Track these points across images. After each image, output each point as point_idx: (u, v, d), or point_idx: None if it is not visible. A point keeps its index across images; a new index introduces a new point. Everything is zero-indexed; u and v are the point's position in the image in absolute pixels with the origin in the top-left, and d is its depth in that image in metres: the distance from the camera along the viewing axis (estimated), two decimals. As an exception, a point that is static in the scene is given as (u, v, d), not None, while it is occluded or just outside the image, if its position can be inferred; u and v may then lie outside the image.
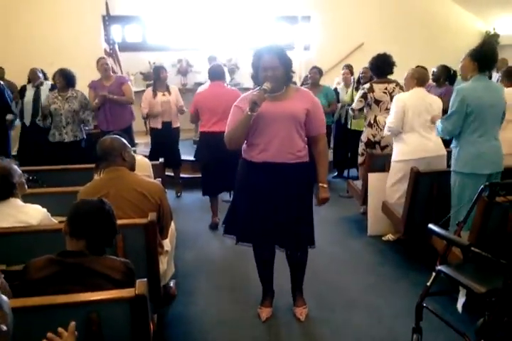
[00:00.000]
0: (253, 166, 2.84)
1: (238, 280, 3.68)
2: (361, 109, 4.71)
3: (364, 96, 4.62)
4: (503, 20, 9.05)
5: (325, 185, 2.89)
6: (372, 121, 4.64)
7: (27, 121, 6.09)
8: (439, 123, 3.49)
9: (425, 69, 6.05)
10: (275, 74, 2.68)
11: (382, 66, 4.63)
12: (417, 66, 6.06)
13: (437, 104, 4.07)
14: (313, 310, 3.15)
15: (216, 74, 4.72)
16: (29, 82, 6.31)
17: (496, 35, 9.29)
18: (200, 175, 5.86)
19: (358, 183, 4.88)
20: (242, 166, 2.95)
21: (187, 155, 6.08)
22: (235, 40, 9.18)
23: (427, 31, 9.10)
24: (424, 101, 4.01)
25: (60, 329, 1.58)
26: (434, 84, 5.45)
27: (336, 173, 6.56)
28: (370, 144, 4.69)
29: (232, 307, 3.27)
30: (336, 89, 6.44)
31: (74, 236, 1.93)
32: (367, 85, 4.70)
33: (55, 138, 5.07)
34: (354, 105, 4.73)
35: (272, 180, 2.80)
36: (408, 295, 3.29)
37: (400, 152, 4.02)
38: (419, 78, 4.07)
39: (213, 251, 4.29)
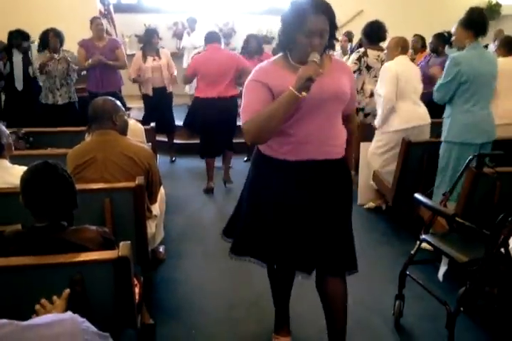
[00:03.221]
0: (283, 166, 2.11)
1: (227, 246, 3.71)
2: (354, 72, 4.67)
3: (359, 58, 4.59)
4: (506, -10, 8.88)
5: (352, 172, 2.37)
6: (359, 88, 4.61)
7: (19, 86, 5.92)
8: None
9: (422, 37, 6.01)
10: (322, 42, 1.99)
11: (375, 32, 4.58)
12: (415, 35, 6.03)
13: (418, 71, 4.16)
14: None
15: (212, 37, 4.72)
16: (9, 44, 6.05)
17: (497, 5, 9.14)
18: (194, 141, 5.91)
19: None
20: (262, 165, 2.22)
21: (181, 120, 6.03)
22: (232, 4, 9.00)
23: (428, -2, 8.92)
24: (412, 67, 4.06)
25: (54, 297, 1.60)
26: (433, 54, 5.37)
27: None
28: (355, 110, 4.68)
29: (219, 273, 3.31)
30: None
31: (34, 208, 1.82)
32: (362, 49, 4.66)
33: (48, 100, 5.04)
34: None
35: (310, 184, 2.12)
36: (393, 262, 3.34)
37: (392, 122, 3.99)
38: (403, 46, 4.06)
39: (204, 216, 4.32)
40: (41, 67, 4.93)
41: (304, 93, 1.89)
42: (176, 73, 5.61)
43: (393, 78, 3.87)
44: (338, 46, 6.73)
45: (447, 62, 3.27)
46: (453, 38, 3.40)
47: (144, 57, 5.37)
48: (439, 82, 3.31)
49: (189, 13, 8.17)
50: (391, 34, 4.59)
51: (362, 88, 4.59)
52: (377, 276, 3.26)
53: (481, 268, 2.24)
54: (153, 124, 4.29)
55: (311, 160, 2.08)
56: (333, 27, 2.02)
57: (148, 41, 5.44)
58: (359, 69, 4.59)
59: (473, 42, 3.23)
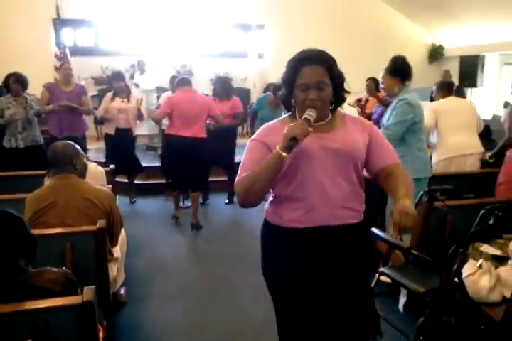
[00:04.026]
0: (294, 235, 1.88)
1: (189, 287, 3.70)
2: None
3: None
4: (448, 33, 9.44)
5: (405, 202, 1.75)
6: None
7: None
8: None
9: (376, 80, 6.26)
10: (321, 95, 1.81)
11: None
12: (368, 78, 6.30)
13: None
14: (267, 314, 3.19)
15: (184, 82, 4.92)
16: None
17: (440, 47, 9.71)
18: (154, 181, 5.95)
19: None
20: (270, 236, 1.98)
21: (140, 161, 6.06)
22: (189, 46, 9.22)
23: (375, 42, 9.37)
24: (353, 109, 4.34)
25: None
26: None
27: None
28: None
29: (181, 314, 3.29)
30: None
31: None
32: None
33: (12, 145, 4.98)
34: None
35: (326, 252, 1.87)
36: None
37: None
38: None
39: (165, 258, 4.27)
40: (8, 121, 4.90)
41: (284, 154, 1.71)
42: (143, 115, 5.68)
43: None
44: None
45: (400, 103, 3.38)
46: (381, 86, 3.62)
47: (113, 98, 5.40)
48: (391, 122, 3.40)
49: (146, 56, 8.32)
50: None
51: None
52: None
53: (437, 298, 2.33)
54: (112, 166, 4.29)
55: (322, 226, 1.85)
56: (337, 78, 1.86)
57: (110, 84, 5.54)
58: None
59: (403, 88, 3.44)
